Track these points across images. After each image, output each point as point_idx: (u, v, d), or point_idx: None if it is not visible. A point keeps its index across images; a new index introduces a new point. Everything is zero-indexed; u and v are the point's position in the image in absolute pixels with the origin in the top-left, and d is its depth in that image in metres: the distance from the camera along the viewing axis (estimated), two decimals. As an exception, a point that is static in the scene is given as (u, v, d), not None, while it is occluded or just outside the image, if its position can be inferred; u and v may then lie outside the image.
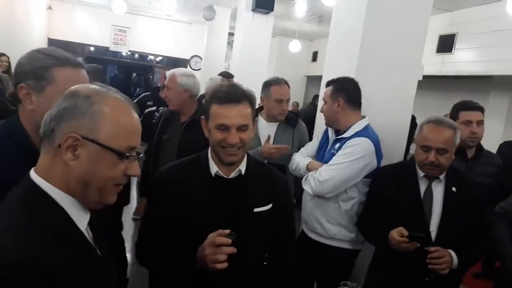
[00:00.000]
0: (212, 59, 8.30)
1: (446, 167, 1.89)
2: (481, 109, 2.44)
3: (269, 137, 2.42)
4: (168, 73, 2.75)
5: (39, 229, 0.74)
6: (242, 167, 1.44)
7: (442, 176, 1.93)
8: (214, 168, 1.42)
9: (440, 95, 6.61)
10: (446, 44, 6.33)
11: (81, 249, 0.81)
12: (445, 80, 6.71)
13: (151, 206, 1.48)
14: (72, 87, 0.87)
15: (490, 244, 2.02)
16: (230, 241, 1.26)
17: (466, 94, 6.38)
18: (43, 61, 1.16)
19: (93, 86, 0.88)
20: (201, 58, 9.72)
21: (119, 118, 0.85)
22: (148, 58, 12.16)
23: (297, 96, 10.21)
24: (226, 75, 4.38)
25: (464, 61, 6.24)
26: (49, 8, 9.94)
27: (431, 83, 6.65)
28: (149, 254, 1.43)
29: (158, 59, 12.17)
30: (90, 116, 0.81)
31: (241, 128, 1.35)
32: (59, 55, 1.21)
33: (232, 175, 1.42)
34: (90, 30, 10.57)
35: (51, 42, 10.39)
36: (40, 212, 0.77)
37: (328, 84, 2.25)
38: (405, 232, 1.76)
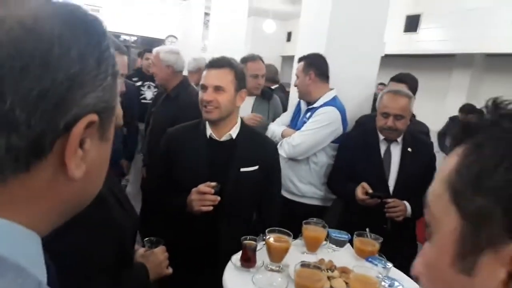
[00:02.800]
0: (188, 39, 8.36)
1: (403, 131, 2.18)
2: (405, 82, 2.68)
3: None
4: (154, 50, 2.97)
5: None
6: (234, 132, 1.69)
7: (399, 139, 2.22)
8: (208, 131, 1.67)
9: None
10: (412, 24, 6.65)
11: (109, 179, 1.02)
12: (412, 59, 7.07)
13: (158, 159, 1.74)
14: None
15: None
16: (212, 190, 1.52)
17: (431, 72, 6.76)
18: None
19: None
20: (176, 38, 9.77)
21: None
22: (122, 38, 12.04)
23: (272, 75, 10.38)
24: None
25: (428, 40, 6.59)
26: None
27: (399, 62, 7.00)
28: (154, 197, 1.70)
29: (132, 39, 12.07)
30: None
31: (218, 89, 1.60)
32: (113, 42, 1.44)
33: (223, 138, 1.67)
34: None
35: (22, 21, 10.15)
36: None
37: (300, 60, 2.50)
38: (367, 187, 2.06)
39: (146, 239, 1.31)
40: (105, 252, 0.96)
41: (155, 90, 4.05)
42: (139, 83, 4.15)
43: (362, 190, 2.08)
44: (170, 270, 1.26)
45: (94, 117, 0.41)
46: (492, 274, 0.34)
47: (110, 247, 0.98)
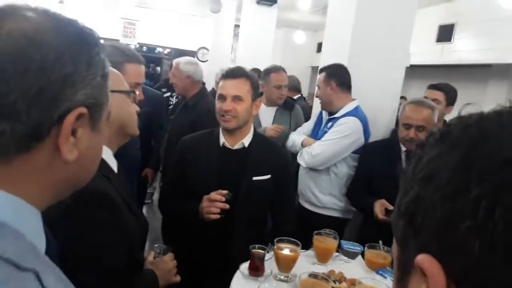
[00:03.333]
0: (219, 51, 8.50)
1: (425, 142, 2.13)
2: (442, 90, 2.69)
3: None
4: (174, 61, 3.07)
5: None
6: (246, 141, 1.71)
7: (422, 151, 2.16)
8: (221, 139, 1.69)
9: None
10: (445, 33, 6.49)
11: (119, 185, 1.06)
12: (445, 69, 6.88)
13: (173, 166, 1.79)
14: None
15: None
16: (223, 198, 1.54)
17: (465, 82, 6.54)
18: (118, 56, 1.44)
19: None
20: (208, 49, 9.96)
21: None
22: (157, 51, 12.41)
23: (302, 87, 10.38)
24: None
25: (463, 50, 6.40)
26: (61, 2, 10.22)
27: (431, 73, 6.82)
28: (167, 203, 1.74)
29: (166, 51, 12.42)
30: None
31: (236, 99, 1.62)
32: (130, 53, 1.50)
33: (236, 146, 1.70)
34: (100, 23, 10.83)
35: (63, 35, 10.68)
36: None
37: (321, 70, 2.50)
38: (387, 204, 2.01)
39: (156, 245, 1.35)
40: (117, 257, 1.00)
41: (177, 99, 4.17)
42: (167, 94, 4.27)
43: (380, 208, 2.03)
44: (178, 278, 1.28)
45: (83, 110, 0.50)
46: None
47: (122, 252, 1.02)
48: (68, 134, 0.49)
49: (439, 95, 2.69)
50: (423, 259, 0.33)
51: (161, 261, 1.26)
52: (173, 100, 4.36)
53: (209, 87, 3.93)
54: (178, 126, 2.74)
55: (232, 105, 1.63)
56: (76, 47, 0.50)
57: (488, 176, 0.31)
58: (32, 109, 0.46)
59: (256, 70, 4.28)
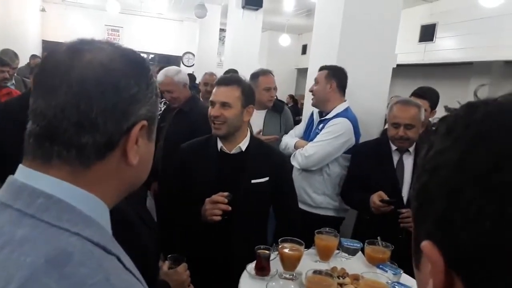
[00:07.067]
0: (205, 55, 8.53)
1: (414, 140, 2.20)
2: (423, 97, 2.74)
3: (260, 130, 2.79)
4: (164, 77, 2.83)
5: None
6: (243, 145, 1.75)
7: (411, 149, 2.24)
8: (219, 144, 1.74)
9: (424, 82, 6.93)
10: (427, 33, 6.65)
11: (136, 203, 1.09)
12: (428, 68, 7.04)
13: (172, 173, 1.81)
14: None
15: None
16: (226, 200, 1.58)
17: (448, 81, 6.70)
18: None
19: None
20: (193, 54, 9.98)
21: None
22: (141, 56, 12.35)
23: (288, 88, 10.49)
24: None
25: (445, 49, 6.56)
26: (43, 10, 10.12)
27: (414, 72, 6.97)
28: (167, 208, 1.77)
29: (150, 57, 12.39)
30: None
31: (224, 105, 1.67)
32: None
33: (233, 151, 1.74)
34: (83, 31, 10.76)
35: (46, 44, 10.58)
36: None
37: (323, 68, 2.53)
38: (385, 196, 2.07)
39: (169, 256, 1.36)
40: None
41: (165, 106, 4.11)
42: None
43: (378, 198, 2.09)
44: (191, 287, 1.31)
45: (145, 122, 0.60)
46: (427, 268, 0.39)
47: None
48: (134, 143, 0.59)
49: (423, 103, 2.75)
50: (426, 245, 0.38)
51: (175, 273, 1.28)
52: (161, 106, 4.34)
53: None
54: (176, 133, 2.71)
55: (221, 111, 1.67)
56: (138, 72, 0.61)
57: (479, 180, 0.35)
58: (108, 123, 0.56)
59: (232, 70, 4.09)
